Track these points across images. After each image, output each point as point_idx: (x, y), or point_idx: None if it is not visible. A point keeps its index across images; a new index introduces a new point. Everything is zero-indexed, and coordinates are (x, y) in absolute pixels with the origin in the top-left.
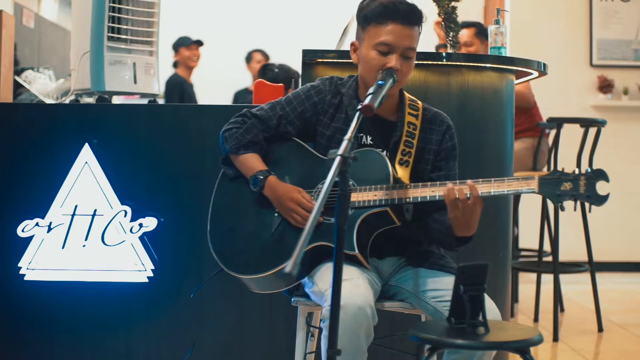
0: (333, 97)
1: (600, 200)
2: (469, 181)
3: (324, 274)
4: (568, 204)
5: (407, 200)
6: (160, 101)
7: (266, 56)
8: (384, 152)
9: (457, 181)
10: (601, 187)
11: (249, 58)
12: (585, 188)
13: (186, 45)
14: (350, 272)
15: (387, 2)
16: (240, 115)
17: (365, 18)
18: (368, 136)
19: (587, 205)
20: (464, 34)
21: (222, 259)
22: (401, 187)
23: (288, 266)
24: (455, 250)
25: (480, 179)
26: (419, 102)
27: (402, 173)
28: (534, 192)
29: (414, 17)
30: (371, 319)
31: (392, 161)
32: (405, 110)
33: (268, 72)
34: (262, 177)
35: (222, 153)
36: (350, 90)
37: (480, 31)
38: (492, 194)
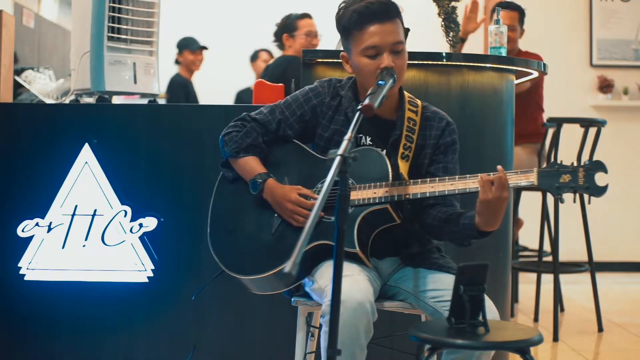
0: (332, 99)
1: (599, 191)
2: (499, 167)
3: (325, 271)
4: (568, 196)
5: (407, 197)
6: (161, 101)
7: (272, 55)
8: (384, 151)
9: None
10: (600, 178)
11: (254, 57)
12: (584, 179)
13: (192, 50)
14: (350, 269)
15: (360, 8)
16: (239, 119)
17: (345, 29)
18: (367, 137)
19: (586, 197)
20: (504, 17)
21: (222, 261)
22: (400, 184)
23: (287, 266)
24: (467, 245)
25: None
26: (418, 100)
27: (403, 167)
28: (533, 185)
29: (390, 12)
30: (371, 314)
31: (394, 156)
32: (405, 106)
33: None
34: (260, 181)
35: (222, 157)
36: (350, 92)
37: (523, 17)
38: None
